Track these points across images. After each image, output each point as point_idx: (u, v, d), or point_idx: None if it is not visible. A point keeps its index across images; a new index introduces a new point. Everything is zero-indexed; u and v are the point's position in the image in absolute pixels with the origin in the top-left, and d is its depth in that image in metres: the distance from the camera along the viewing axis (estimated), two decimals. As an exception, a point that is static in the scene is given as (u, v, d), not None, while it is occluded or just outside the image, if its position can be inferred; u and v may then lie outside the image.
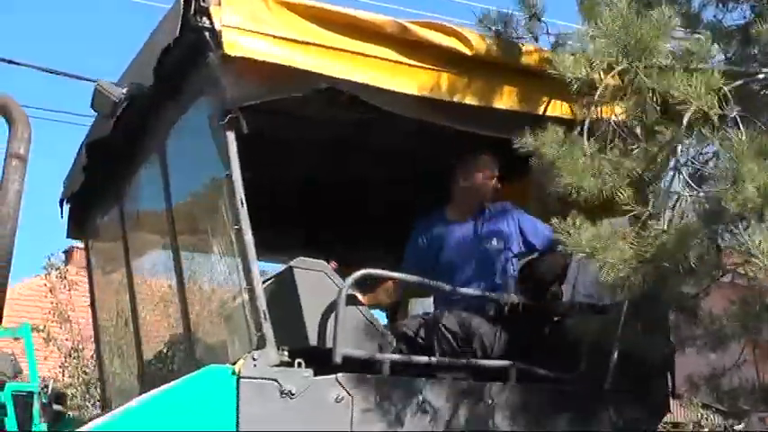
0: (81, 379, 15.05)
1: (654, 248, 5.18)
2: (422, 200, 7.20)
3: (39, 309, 16.90)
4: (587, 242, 5.21)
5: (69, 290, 16.44)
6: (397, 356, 6.10)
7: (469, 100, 6.26)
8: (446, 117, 6.29)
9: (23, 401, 5.43)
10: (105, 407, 7.90)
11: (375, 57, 6.15)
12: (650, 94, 5.44)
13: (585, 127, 5.62)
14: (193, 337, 6.77)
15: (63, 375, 15.68)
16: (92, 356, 14.96)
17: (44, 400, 5.58)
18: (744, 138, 5.10)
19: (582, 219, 5.32)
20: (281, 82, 6.02)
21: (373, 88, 6.15)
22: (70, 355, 15.65)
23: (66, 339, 15.97)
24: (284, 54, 5.97)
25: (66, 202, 8.14)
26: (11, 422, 5.45)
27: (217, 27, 5.83)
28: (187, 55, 6.10)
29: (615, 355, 6.29)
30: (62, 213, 8.23)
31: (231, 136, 5.84)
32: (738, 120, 5.38)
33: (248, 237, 5.80)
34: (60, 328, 16.07)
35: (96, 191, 7.77)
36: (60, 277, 16.70)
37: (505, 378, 6.22)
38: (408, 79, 6.22)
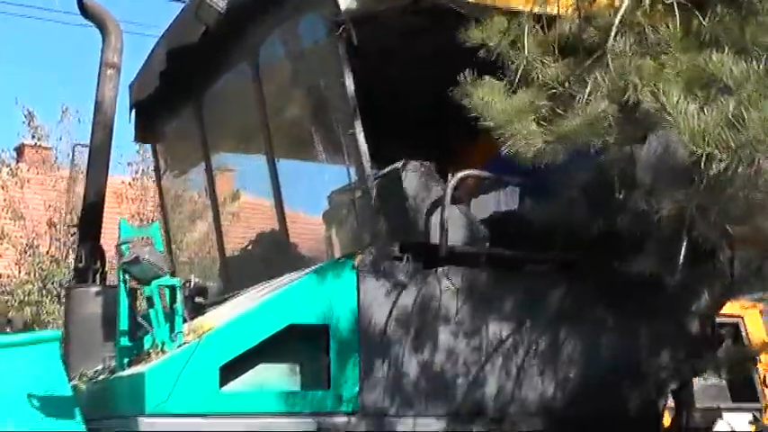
0: (37, 275, 15.07)
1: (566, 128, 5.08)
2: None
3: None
4: (498, 114, 5.19)
5: (21, 187, 16.54)
6: (495, 250, 6.57)
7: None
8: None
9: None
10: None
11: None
12: None
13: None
14: (289, 234, 7.20)
15: (19, 272, 15.79)
16: (47, 252, 15.12)
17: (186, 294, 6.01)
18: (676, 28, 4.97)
19: (497, 91, 5.27)
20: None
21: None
22: (25, 252, 15.72)
23: (21, 237, 16.08)
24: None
25: (134, 106, 8.44)
26: (159, 314, 5.89)
27: (329, -58, 6.14)
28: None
29: (684, 246, 6.77)
30: (130, 118, 8.54)
31: (343, 47, 6.19)
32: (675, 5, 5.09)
33: (362, 141, 6.20)
34: (14, 224, 16.16)
35: (170, 96, 8.06)
36: (11, 174, 16.79)
37: (587, 270, 6.71)
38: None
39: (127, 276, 5.93)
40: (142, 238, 5.88)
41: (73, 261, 13.80)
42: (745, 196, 5.12)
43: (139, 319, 5.88)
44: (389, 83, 8.01)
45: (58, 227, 16.10)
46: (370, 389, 6.09)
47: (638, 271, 6.44)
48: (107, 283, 7.39)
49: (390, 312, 6.19)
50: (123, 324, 6.16)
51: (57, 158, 17.69)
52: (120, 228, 6.16)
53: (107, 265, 7.44)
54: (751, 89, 4.52)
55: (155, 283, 5.83)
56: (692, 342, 6.98)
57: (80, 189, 15.88)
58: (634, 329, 6.82)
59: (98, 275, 7.41)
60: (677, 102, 4.56)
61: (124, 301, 6.12)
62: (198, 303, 5.96)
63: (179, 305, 5.89)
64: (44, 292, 14.55)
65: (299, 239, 7.35)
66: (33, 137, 17.57)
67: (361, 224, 6.33)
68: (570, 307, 6.69)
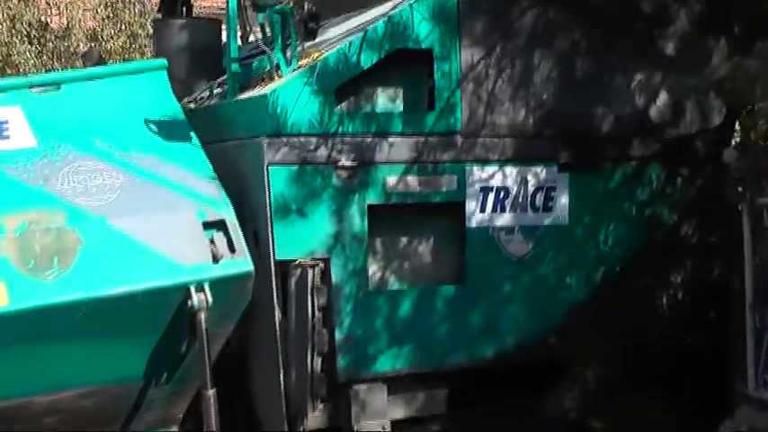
0: (6, 15, 14.55)
1: None
2: None
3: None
4: None
5: None
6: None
7: None
8: None
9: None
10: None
11: None
12: None
13: None
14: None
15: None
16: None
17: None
18: None
19: None
20: None
21: None
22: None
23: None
24: None
25: None
26: (274, 40, 6.09)
27: None
28: None
29: None
30: None
31: None
32: None
33: None
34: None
35: None
36: None
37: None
38: None
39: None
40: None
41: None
42: None
43: (260, 45, 6.08)
44: None
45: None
46: (470, 109, 6.40)
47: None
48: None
49: (487, 37, 6.43)
50: (234, 51, 6.37)
51: None
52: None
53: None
54: None
55: (269, 9, 6.00)
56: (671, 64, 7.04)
57: None
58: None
59: (185, 7, 7.55)
60: None
61: (234, 28, 6.30)
62: (311, 28, 6.14)
63: (292, 30, 6.08)
64: (13, 32, 14.37)
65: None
66: None
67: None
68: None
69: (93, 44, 12.58)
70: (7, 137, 5.94)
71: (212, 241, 5.90)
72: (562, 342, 6.69)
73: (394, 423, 6.32)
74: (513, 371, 6.48)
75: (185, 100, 6.90)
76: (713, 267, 7.16)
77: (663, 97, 6.97)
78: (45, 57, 13.72)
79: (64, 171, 5.87)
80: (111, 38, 13.85)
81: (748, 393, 6.01)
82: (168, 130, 6.23)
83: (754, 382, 6.00)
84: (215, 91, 6.79)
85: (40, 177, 5.81)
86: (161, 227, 5.81)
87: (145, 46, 13.55)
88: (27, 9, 14.42)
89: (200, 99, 6.94)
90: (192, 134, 6.26)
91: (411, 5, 6.24)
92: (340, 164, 6.04)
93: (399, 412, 6.38)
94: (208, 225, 5.92)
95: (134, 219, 5.79)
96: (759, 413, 5.87)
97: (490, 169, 6.50)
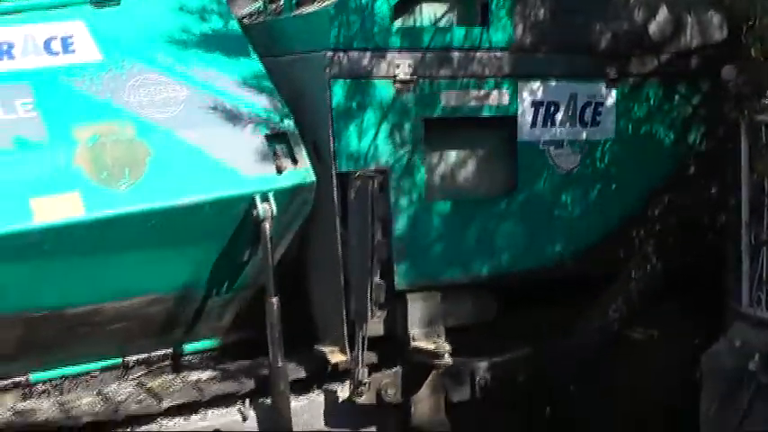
0: None
1: None
2: None
3: None
4: None
5: None
6: None
7: None
8: None
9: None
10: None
11: None
12: None
13: None
14: None
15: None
16: None
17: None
18: None
19: None
20: None
21: None
22: None
23: None
24: None
25: None
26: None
27: None
28: None
29: None
30: None
31: None
32: None
33: None
34: None
35: None
36: None
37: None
38: None
39: None
40: None
41: None
42: None
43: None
44: None
45: None
46: (522, 25, 6.50)
47: None
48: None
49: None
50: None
51: None
52: None
53: None
54: None
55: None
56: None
57: None
58: None
59: None
60: None
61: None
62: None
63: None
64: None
65: None
66: None
67: None
68: None
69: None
70: (73, 51, 6.05)
71: (275, 153, 6.05)
72: (606, 254, 6.87)
73: (448, 330, 6.53)
74: (560, 281, 6.67)
75: (238, 15, 6.96)
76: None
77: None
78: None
79: (130, 84, 5.99)
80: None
81: (742, 310, 6.01)
82: (226, 44, 6.33)
83: (749, 298, 6.00)
84: (268, 6, 6.87)
85: (108, 90, 5.93)
86: (226, 139, 5.96)
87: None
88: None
89: (253, 14, 7.01)
90: (250, 48, 6.36)
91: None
92: (398, 78, 6.16)
93: (453, 320, 6.58)
94: (270, 137, 6.07)
95: (200, 131, 5.93)
96: (753, 330, 5.85)
97: (541, 84, 6.63)
